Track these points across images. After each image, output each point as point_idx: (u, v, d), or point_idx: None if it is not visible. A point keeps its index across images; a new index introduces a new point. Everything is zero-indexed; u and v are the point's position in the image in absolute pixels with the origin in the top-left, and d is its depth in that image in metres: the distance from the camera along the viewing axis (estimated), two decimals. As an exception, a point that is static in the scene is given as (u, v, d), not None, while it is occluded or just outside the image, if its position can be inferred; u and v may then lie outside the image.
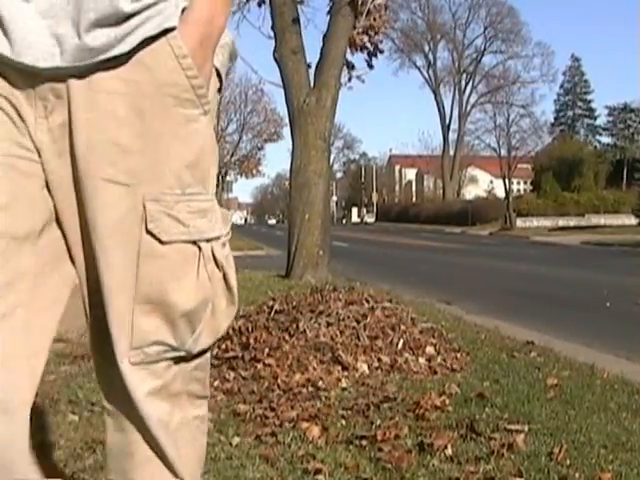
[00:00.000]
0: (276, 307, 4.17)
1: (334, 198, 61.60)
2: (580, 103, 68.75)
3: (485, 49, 61.32)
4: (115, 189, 1.01)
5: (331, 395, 3.23)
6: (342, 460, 2.38)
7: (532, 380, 3.54)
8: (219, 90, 1.14)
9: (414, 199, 70.17)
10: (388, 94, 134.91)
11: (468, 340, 4.63)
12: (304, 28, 9.81)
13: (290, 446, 2.52)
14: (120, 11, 0.97)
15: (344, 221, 74.71)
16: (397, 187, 78.52)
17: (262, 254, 18.02)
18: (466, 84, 61.33)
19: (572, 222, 39.92)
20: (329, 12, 9.71)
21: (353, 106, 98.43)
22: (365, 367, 3.66)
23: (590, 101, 68.81)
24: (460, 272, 12.65)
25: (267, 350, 3.71)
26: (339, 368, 3.61)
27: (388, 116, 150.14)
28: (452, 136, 60.88)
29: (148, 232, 1.02)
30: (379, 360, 3.74)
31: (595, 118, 68.48)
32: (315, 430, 2.65)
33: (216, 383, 3.35)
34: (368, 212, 69.92)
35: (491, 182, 63.49)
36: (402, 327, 4.03)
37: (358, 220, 71.09)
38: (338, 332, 3.85)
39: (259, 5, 10.57)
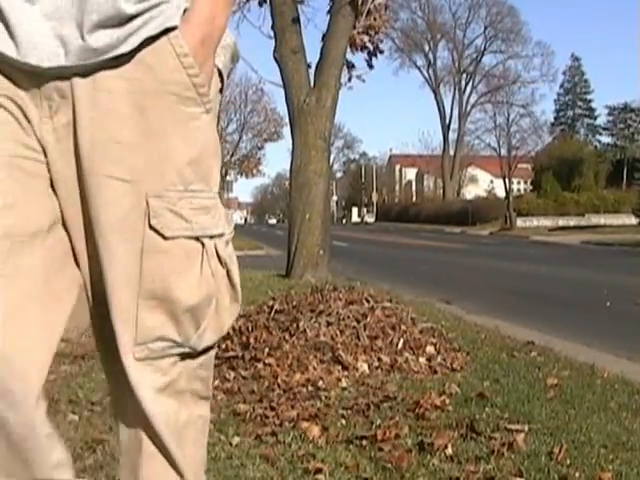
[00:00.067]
0: (276, 307, 4.17)
1: (334, 198, 61.53)
2: (580, 103, 68.70)
3: (485, 49, 61.29)
4: (118, 186, 1.02)
5: (331, 395, 3.23)
6: (342, 460, 2.38)
7: (532, 380, 3.54)
8: (221, 90, 1.14)
9: (414, 199, 70.10)
10: (388, 94, 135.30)
11: (468, 340, 4.63)
12: (304, 28, 9.84)
13: (290, 446, 2.52)
14: (122, 13, 0.99)
15: (344, 221, 74.61)
16: (397, 187, 78.46)
17: (262, 254, 18.03)
18: (466, 84, 61.34)
19: (572, 222, 39.90)
20: (329, 12, 9.72)
21: (353, 106, 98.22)
22: (365, 367, 3.66)
23: (590, 101, 68.85)
24: (460, 272, 12.64)
25: (267, 350, 3.71)
26: (339, 368, 3.61)
27: (388, 116, 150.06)
28: (452, 136, 60.92)
29: (151, 228, 1.03)
30: (379, 360, 3.74)
31: (595, 118, 68.50)
32: (315, 430, 2.65)
33: (216, 383, 3.34)
34: (368, 212, 69.84)
35: (491, 182, 63.54)
36: (402, 327, 4.03)
37: (358, 220, 70.99)
38: (338, 332, 3.85)
39: (259, 5, 10.59)
